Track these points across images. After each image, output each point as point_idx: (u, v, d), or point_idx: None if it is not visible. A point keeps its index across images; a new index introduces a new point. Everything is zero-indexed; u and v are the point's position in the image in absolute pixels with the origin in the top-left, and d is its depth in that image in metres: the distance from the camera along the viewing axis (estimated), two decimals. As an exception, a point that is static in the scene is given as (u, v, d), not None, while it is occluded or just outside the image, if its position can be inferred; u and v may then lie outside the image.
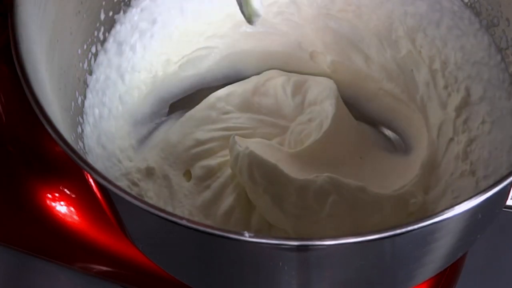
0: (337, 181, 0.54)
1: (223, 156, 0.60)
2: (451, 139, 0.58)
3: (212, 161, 0.60)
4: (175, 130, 0.62)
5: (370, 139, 0.63)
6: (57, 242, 0.63)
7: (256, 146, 0.57)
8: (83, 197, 0.63)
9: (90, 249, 0.62)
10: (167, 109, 0.64)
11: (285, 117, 0.63)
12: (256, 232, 0.54)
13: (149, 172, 0.59)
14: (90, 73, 0.57)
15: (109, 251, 0.62)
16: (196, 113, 0.63)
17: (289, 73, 0.66)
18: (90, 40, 0.57)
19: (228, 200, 0.57)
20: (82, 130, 0.54)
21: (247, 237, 0.38)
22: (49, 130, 0.41)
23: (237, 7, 0.64)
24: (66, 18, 0.52)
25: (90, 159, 0.53)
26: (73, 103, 0.53)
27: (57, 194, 0.64)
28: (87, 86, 0.56)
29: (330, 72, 0.65)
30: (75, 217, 0.63)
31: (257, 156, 0.55)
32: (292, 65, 0.66)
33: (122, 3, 0.60)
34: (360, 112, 0.64)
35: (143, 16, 0.61)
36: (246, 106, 0.64)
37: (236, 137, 0.57)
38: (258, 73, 0.66)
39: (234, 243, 0.39)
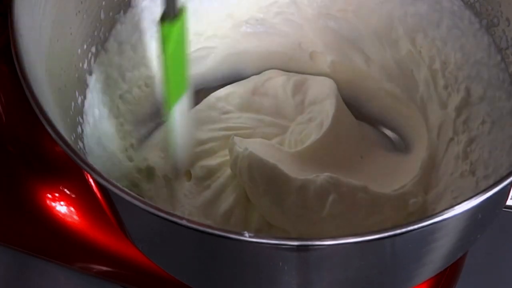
0: (337, 180, 0.54)
1: (223, 156, 0.60)
2: (451, 139, 0.58)
3: (212, 161, 0.59)
4: (175, 130, 0.62)
5: (370, 139, 0.63)
6: (57, 242, 0.63)
7: (256, 146, 0.57)
8: (83, 197, 0.63)
9: (90, 249, 0.62)
10: (167, 109, 0.64)
11: (285, 116, 0.63)
12: (256, 232, 0.54)
13: (149, 172, 0.59)
14: (90, 73, 0.57)
15: (109, 251, 0.61)
16: (196, 113, 0.63)
17: (289, 73, 0.66)
18: (90, 40, 0.56)
19: (228, 200, 0.57)
20: (82, 130, 0.54)
21: (247, 237, 0.38)
22: (49, 130, 0.41)
23: (237, 7, 0.65)
24: (66, 18, 0.52)
25: (90, 159, 0.53)
26: (73, 103, 0.53)
27: (57, 194, 0.64)
28: (87, 86, 0.56)
29: (330, 72, 0.65)
30: (75, 217, 0.63)
31: (257, 157, 0.55)
32: (292, 65, 0.66)
33: (122, 3, 0.60)
34: (360, 112, 0.64)
35: (143, 16, 0.61)
36: (246, 106, 0.64)
37: (236, 138, 0.57)
38: (258, 73, 0.66)
39: (234, 243, 0.39)
